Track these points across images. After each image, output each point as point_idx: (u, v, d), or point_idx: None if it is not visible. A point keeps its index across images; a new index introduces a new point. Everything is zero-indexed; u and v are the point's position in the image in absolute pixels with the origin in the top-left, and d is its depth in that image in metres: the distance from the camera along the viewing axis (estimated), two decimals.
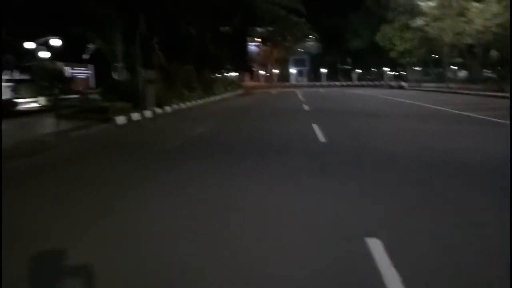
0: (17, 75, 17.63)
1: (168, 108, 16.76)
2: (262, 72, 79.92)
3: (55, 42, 21.04)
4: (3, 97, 15.20)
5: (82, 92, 20.63)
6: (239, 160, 6.51)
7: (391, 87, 48.53)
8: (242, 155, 6.97)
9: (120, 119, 12.23)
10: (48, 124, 11.07)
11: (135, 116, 13.35)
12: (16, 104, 13.84)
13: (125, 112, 13.28)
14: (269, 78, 75.65)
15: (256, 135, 9.53)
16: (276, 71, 74.26)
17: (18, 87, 16.97)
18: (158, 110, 15.61)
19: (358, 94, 33.21)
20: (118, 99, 14.79)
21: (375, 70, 71.46)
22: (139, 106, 14.99)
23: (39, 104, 16.00)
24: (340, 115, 14.38)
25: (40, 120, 12.07)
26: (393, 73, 67.20)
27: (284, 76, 73.05)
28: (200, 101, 22.33)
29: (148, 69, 30.90)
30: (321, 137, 8.83)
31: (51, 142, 8.43)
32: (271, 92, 41.32)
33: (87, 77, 24.66)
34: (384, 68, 64.60)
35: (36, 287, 2.50)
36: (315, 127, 10.47)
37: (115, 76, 23.14)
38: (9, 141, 8.06)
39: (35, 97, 17.36)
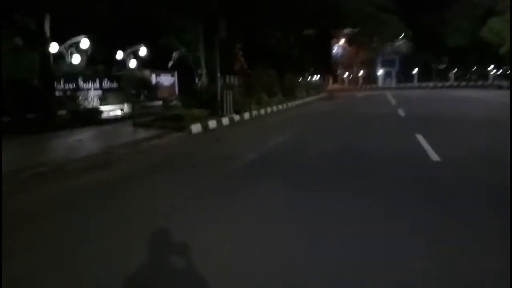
0: (106, 84, 18.25)
1: (246, 115, 15.82)
2: (346, 74, 76.68)
3: (143, 51, 21.64)
4: (91, 105, 15.70)
5: (166, 99, 20.84)
6: (321, 187, 5.01)
7: (499, 87, 42.20)
8: (325, 180, 5.44)
9: (196, 128, 11.51)
10: (123, 134, 10.74)
11: (212, 124, 12.57)
12: (100, 112, 14.03)
13: (201, 120, 12.60)
14: (353, 80, 72.18)
15: (344, 150, 7.88)
16: (361, 73, 70.46)
17: (106, 95, 17.50)
18: (236, 117, 14.73)
19: (460, 96, 29.02)
20: (197, 106, 14.25)
21: (476, 69, 63.43)
22: (217, 113, 14.28)
23: (123, 112, 16.24)
24: (449, 123, 11.91)
25: (117, 128, 11.91)
26: (498, 72, 58.92)
27: (371, 78, 68.77)
28: (280, 107, 21.14)
29: (230, 74, 30.70)
30: (432, 153, 6.87)
31: (117, 155, 7.82)
32: (357, 95, 38.57)
33: (172, 84, 25.08)
34: (490, 67, 56.87)
35: None
36: (420, 139, 8.45)
37: (198, 82, 23.19)
38: (75, 154, 7.63)
39: (121, 104, 17.79)
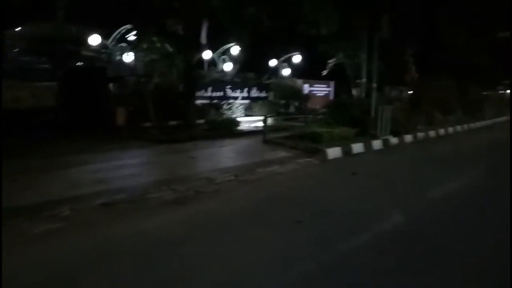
0: (255, 93, 17.47)
1: (408, 137, 12.36)
2: None
3: (297, 58, 20.27)
4: (234, 115, 14.99)
5: (315, 112, 18.82)
6: None
7: None
8: None
9: (333, 152, 9.04)
10: (245, 152, 9.18)
11: (357, 147, 9.86)
12: (238, 123, 13.00)
13: (345, 141, 10.06)
14: None
15: None
16: None
17: (252, 105, 16.65)
18: (393, 140, 11.54)
19: None
20: (344, 124, 11.67)
21: None
22: (367, 133, 11.43)
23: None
24: None
25: (244, 145, 10.46)
26: None
27: None
28: (458, 128, 16.46)
29: (398, 85, 26.52)
30: None
31: (218, 184, 6.13)
32: None
33: (327, 95, 22.99)
34: None
35: None
36: None
37: (356, 93, 20.50)
38: (172, 177, 6.28)
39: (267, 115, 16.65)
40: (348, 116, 12.17)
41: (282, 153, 8.91)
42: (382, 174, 7.36)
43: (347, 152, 9.43)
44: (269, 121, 14.99)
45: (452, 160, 9.09)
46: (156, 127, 11.25)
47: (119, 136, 10.63)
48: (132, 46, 12.16)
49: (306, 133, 10.37)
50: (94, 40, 12.24)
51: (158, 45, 12.57)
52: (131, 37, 12.33)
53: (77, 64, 12.40)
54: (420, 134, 13.20)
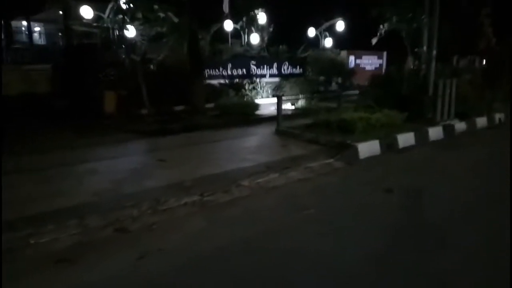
0: (287, 70, 14.82)
1: (481, 121, 9.18)
2: None
3: (340, 25, 17.10)
4: (259, 96, 12.64)
5: (363, 89, 15.74)
6: None
7: None
8: None
9: (367, 148, 6.41)
10: (241, 150, 6.77)
11: (406, 139, 7.09)
12: (255, 107, 10.58)
13: (389, 130, 7.33)
14: None
15: None
16: None
17: (283, 84, 14.05)
18: (459, 126, 8.50)
19: None
20: (390, 105, 8.75)
21: None
22: (422, 116, 8.47)
23: (294, 107, 12.23)
24: None
25: (249, 136, 8.06)
26: None
27: None
28: None
29: (471, 55, 21.95)
30: None
31: (162, 213, 3.95)
32: None
33: (378, 68, 19.53)
34: None
35: None
36: None
37: (410, 65, 16.90)
38: (101, 203, 4.18)
39: (300, 95, 13.96)
40: (396, 95, 9.22)
41: (293, 150, 6.46)
42: (435, 191, 4.62)
43: (390, 147, 6.72)
44: (300, 103, 12.40)
45: None
46: (151, 114, 9.27)
47: (106, 126, 8.81)
48: (129, 17, 10.14)
49: (334, 120, 7.70)
50: (87, 12, 10.40)
51: (161, 14, 10.45)
52: (127, 6, 10.27)
53: (71, 43, 10.75)
54: (498, 115, 9.87)
